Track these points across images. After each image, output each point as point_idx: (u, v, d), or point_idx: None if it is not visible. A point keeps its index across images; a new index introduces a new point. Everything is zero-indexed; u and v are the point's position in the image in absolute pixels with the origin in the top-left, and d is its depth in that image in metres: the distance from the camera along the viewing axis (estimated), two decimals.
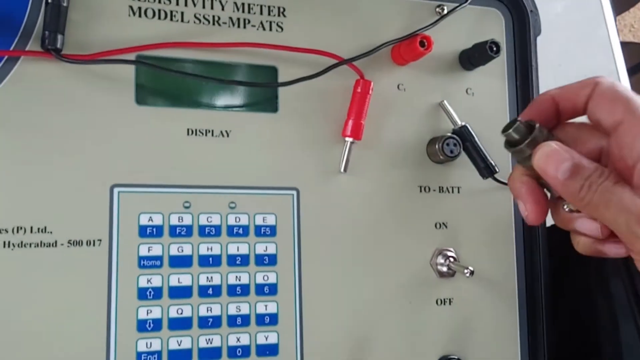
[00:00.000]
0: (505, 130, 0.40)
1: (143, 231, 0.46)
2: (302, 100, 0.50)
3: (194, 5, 0.48)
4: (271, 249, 0.48)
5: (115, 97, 0.46)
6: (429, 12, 0.55)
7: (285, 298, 0.48)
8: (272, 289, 0.48)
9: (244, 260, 0.48)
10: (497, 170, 0.53)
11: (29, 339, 0.42)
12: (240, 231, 0.48)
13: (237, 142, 0.48)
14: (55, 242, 0.44)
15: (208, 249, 0.47)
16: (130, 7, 0.46)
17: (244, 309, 0.47)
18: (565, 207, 0.40)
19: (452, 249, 0.53)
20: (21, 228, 0.43)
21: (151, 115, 0.46)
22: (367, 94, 0.51)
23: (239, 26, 0.49)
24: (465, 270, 0.50)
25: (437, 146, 0.52)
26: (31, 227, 0.43)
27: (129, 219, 0.45)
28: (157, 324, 0.45)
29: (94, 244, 0.44)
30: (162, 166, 0.46)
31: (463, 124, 0.53)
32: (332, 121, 0.51)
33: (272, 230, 0.49)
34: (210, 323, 0.46)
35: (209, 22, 0.48)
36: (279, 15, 0.50)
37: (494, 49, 0.53)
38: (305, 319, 0.48)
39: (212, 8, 0.48)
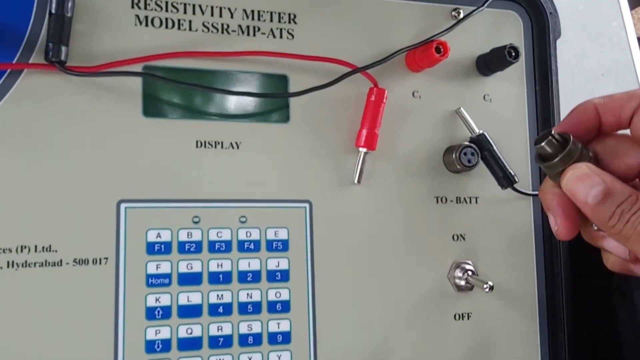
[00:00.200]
0: (537, 142, 0.39)
1: (151, 248, 0.45)
2: (314, 109, 0.49)
3: (202, 13, 0.47)
4: (283, 265, 0.47)
5: (122, 109, 0.45)
6: (444, 16, 0.53)
7: (298, 315, 0.47)
8: (285, 306, 0.47)
9: (256, 276, 0.47)
10: (517, 180, 0.51)
11: None
12: (252, 246, 0.47)
13: (248, 154, 0.47)
14: (61, 261, 0.43)
15: (218, 265, 0.46)
16: (137, 16, 0.45)
17: (256, 328, 0.46)
18: (594, 225, 0.39)
19: (470, 262, 0.52)
20: (25, 247, 0.42)
21: (159, 128, 0.45)
22: (381, 102, 0.49)
23: (248, 34, 0.48)
24: (485, 286, 0.49)
25: (454, 155, 0.51)
26: (35, 246, 0.42)
27: (136, 235, 0.44)
28: (166, 345, 0.44)
29: (100, 263, 0.43)
30: (170, 180, 0.45)
31: (481, 132, 0.52)
32: (345, 131, 0.50)
33: (284, 245, 0.48)
34: (221, 343, 0.45)
35: (217, 30, 0.47)
36: (289, 22, 0.49)
37: (513, 54, 0.52)
38: (319, 337, 0.47)
39: (220, 16, 0.47)
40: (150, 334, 0.44)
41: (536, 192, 0.54)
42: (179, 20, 0.46)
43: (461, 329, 0.51)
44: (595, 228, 0.39)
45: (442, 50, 0.50)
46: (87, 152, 0.44)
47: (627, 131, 0.40)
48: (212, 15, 0.47)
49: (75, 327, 0.42)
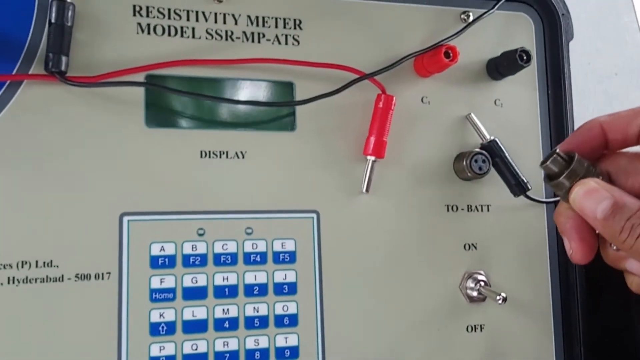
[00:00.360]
0: (543, 162, 0.39)
1: (154, 262, 0.44)
2: (321, 117, 0.48)
3: (206, 20, 0.46)
4: (291, 277, 0.47)
5: (124, 119, 0.44)
6: (453, 20, 0.52)
7: (306, 329, 0.46)
8: (293, 320, 0.46)
9: (262, 289, 0.46)
10: (530, 187, 0.51)
11: None
12: (258, 259, 0.46)
13: (253, 164, 0.47)
14: (62, 276, 0.42)
15: (224, 279, 0.45)
16: (139, 24, 0.45)
17: (263, 342, 0.45)
18: (613, 245, 0.38)
19: (482, 272, 0.51)
20: (26, 263, 0.41)
21: (162, 138, 0.45)
22: (389, 109, 0.49)
23: (253, 41, 0.47)
24: (498, 297, 0.48)
25: (464, 162, 0.50)
26: (36, 262, 0.42)
27: (139, 249, 0.44)
28: None
29: (102, 277, 0.43)
30: (174, 192, 0.45)
31: (492, 138, 0.51)
32: (353, 139, 0.49)
33: (292, 257, 0.47)
34: (227, 359, 0.44)
35: (221, 37, 0.47)
36: (295, 28, 0.48)
37: (525, 57, 0.51)
38: (327, 351, 0.47)
39: (224, 22, 0.47)
40: (155, 351, 0.43)
41: (550, 200, 0.53)
42: (181, 28, 0.46)
43: (473, 341, 0.50)
44: (615, 248, 0.38)
45: (451, 55, 0.49)
46: (89, 164, 0.43)
47: (637, 148, 0.39)
48: (215, 22, 0.47)
49: (77, 344, 0.42)
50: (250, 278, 0.46)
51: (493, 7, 0.52)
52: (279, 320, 0.46)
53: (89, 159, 0.43)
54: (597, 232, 0.38)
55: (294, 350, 0.46)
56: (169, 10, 0.45)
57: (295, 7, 0.49)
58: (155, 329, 0.43)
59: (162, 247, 0.44)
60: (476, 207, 0.52)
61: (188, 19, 0.46)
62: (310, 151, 0.48)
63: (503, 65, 0.52)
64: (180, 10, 0.46)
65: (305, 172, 0.48)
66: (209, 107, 0.46)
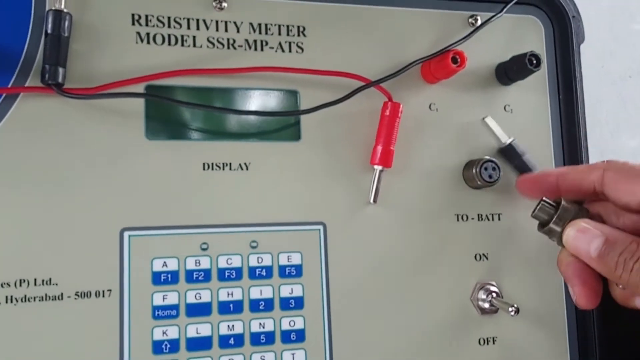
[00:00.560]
0: (532, 212, 0.40)
1: (157, 278, 0.43)
2: (326, 126, 0.47)
3: (207, 28, 0.45)
4: (297, 291, 0.45)
5: (124, 132, 0.43)
6: (461, 24, 0.51)
7: (314, 345, 0.45)
8: (300, 336, 0.45)
9: (268, 304, 0.45)
10: None
11: None
12: (263, 273, 0.45)
13: (258, 175, 0.45)
14: (62, 294, 0.41)
15: (228, 294, 0.44)
16: (138, 33, 0.43)
17: (270, 359, 0.44)
18: (618, 284, 0.37)
19: (494, 283, 0.50)
20: (24, 281, 0.40)
21: (163, 150, 0.44)
22: (396, 117, 0.47)
23: (256, 49, 0.46)
24: (510, 309, 0.46)
25: (474, 170, 0.49)
26: (35, 279, 0.40)
27: (141, 265, 0.42)
28: None
29: (103, 295, 0.41)
30: (176, 205, 0.43)
31: (511, 139, 0.49)
32: (360, 148, 0.48)
33: (298, 270, 0.45)
34: None
35: (223, 45, 0.45)
36: (298, 35, 0.47)
37: (534, 61, 0.50)
38: None
39: (226, 31, 0.45)
40: None
41: None
42: (182, 37, 0.44)
43: (486, 354, 0.49)
44: (620, 286, 0.38)
45: (458, 60, 0.48)
46: (88, 178, 0.42)
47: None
48: (217, 30, 0.45)
49: None
50: (255, 293, 0.44)
51: (501, 10, 0.51)
52: (286, 336, 0.45)
53: (88, 172, 0.42)
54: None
55: None
56: (169, 18, 0.44)
57: (299, 13, 0.47)
58: (158, 347, 0.42)
59: (165, 262, 0.43)
60: (487, 216, 0.50)
61: (189, 28, 0.45)
62: (315, 161, 0.47)
63: (512, 70, 0.51)
64: (180, 18, 0.44)
65: (311, 183, 0.46)
66: (211, 117, 0.45)
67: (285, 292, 0.45)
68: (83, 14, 0.42)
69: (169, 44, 0.44)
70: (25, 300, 0.40)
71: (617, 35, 0.63)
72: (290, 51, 0.47)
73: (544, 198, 0.39)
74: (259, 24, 0.46)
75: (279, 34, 0.47)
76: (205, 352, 0.43)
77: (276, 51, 0.46)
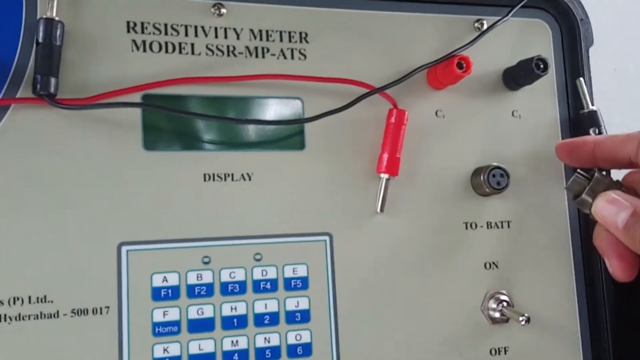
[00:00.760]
0: (566, 184, 0.38)
1: (157, 294, 0.38)
2: (331, 134, 0.43)
3: (206, 35, 0.40)
4: (303, 304, 0.41)
5: (120, 143, 0.38)
6: (467, 28, 0.46)
7: (321, 359, 0.40)
8: (306, 350, 0.40)
9: (273, 319, 0.40)
10: None
11: None
12: (268, 286, 0.40)
13: (261, 186, 0.41)
14: (57, 312, 0.36)
15: (232, 309, 0.39)
16: (133, 41, 0.39)
17: None
18: None
19: (504, 292, 0.45)
20: (18, 299, 0.36)
21: (162, 162, 0.39)
22: (401, 124, 0.43)
23: (257, 56, 0.41)
24: (521, 318, 0.42)
25: (482, 177, 0.44)
26: (29, 297, 0.36)
27: (140, 280, 0.38)
28: None
29: (101, 312, 0.37)
30: (176, 218, 0.39)
31: (593, 108, 0.46)
32: (365, 156, 0.43)
33: (304, 283, 0.41)
34: None
35: (223, 53, 0.41)
36: (301, 41, 0.42)
37: (541, 66, 0.45)
38: None
39: (226, 37, 0.41)
40: None
41: None
42: (179, 44, 0.40)
43: None
44: None
45: (464, 65, 0.43)
46: (83, 191, 0.37)
47: None
48: (216, 36, 0.41)
49: None
50: (260, 307, 0.40)
51: (507, 14, 0.46)
52: (292, 351, 0.40)
53: (84, 186, 0.37)
54: None
55: None
56: (166, 25, 0.40)
57: (301, 19, 0.43)
58: None
59: (165, 277, 0.38)
60: (496, 224, 0.45)
61: (186, 35, 0.40)
62: (320, 171, 0.42)
63: (520, 75, 0.46)
64: (177, 25, 0.40)
65: (316, 192, 0.42)
66: (212, 127, 0.40)
67: (291, 305, 0.40)
68: (76, 22, 0.38)
69: (166, 51, 0.39)
70: (19, 319, 0.36)
71: (630, 38, 0.58)
72: (292, 58, 0.42)
73: (577, 170, 0.36)
74: (260, 31, 0.42)
75: (281, 40, 0.42)
76: None
77: (278, 58, 0.42)
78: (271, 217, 0.41)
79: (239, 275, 0.40)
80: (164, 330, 0.38)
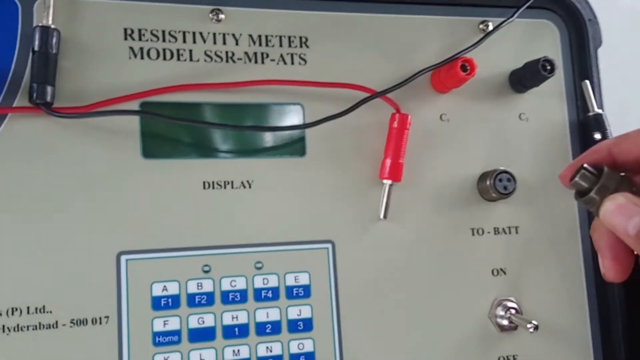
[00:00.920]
0: (572, 178, 0.32)
1: (157, 303, 0.36)
2: (333, 140, 0.40)
3: (204, 41, 0.38)
4: (306, 313, 0.38)
5: (118, 151, 0.36)
6: (471, 30, 0.43)
7: None
8: (309, 359, 0.37)
9: (275, 327, 0.37)
10: None
11: None
12: (270, 294, 0.37)
13: (261, 193, 0.38)
14: (56, 322, 0.34)
15: (233, 317, 0.37)
16: (131, 48, 0.37)
17: None
18: None
19: (513, 299, 0.42)
20: (16, 309, 0.34)
21: (161, 170, 0.37)
22: (404, 129, 0.40)
23: (256, 62, 0.39)
24: (529, 325, 0.39)
25: (488, 182, 0.41)
26: (28, 308, 0.34)
27: (139, 290, 0.36)
28: None
29: (100, 322, 0.35)
30: (175, 227, 0.37)
31: (599, 111, 0.43)
32: (368, 162, 0.40)
33: (306, 291, 0.38)
34: None
35: (222, 59, 0.38)
36: (300, 46, 0.40)
37: (548, 67, 0.42)
38: None
39: (224, 43, 0.38)
40: None
41: None
42: (178, 51, 0.38)
43: None
44: None
45: (468, 68, 0.40)
46: (82, 200, 0.35)
47: None
48: (214, 43, 0.38)
49: None
50: (261, 316, 0.37)
51: (512, 15, 0.43)
52: None
53: (82, 194, 0.35)
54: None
55: None
56: (164, 32, 0.37)
57: (301, 24, 0.40)
58: None
59: (165, 286, 0.36)
60: (503, 229, 0.42)
61: (185, 41, 0.38)
62: (322, 177, 0.39)
63: (526, 77, 0.43)
64: (175, 32, 0.38)
65: (317, 199, 0.39)
66: (211, 134, 0.38)
67: (293, 313, 0.38)
68: (73, 30, 0.35)
69: (164, 58, 0.37)
70: (18, 330, 0.34)
71: None
72: (292, 63, 0.39)
73: (584, 165, 0.32)
74: (259, 36, 0.39)
75: (280, 45, 0.39)
76: None
77: (278, 64, 0.39)
78: (272, 224, 0.38)
79: (240, 284, 0.37)
80: (164, 340, 0.36)
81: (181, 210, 0.37)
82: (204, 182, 0.37)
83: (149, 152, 0.37)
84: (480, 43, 0.42)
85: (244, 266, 0.37)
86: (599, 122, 0.43)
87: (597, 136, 0.43)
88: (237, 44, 0.39)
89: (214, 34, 0.38)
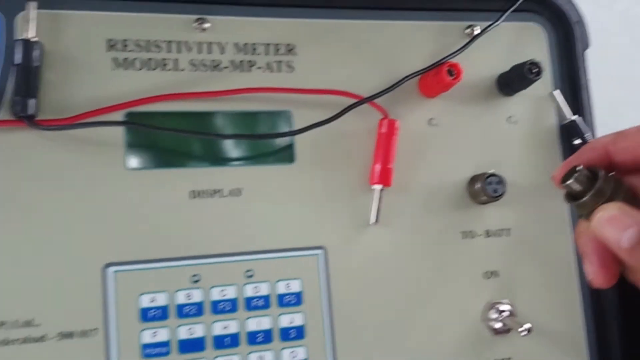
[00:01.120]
0: (564, 180, 0.29)
1: (145, 314, 0.33)
2: (322, 147, 0.37)
3: (189, 50, 0.36)
4: (298, 321, 0.35)
5: (103, 162, 0.34)
6: (458, 35, 0.41)
7: None
8: None
9: (267, 336, 0.35)
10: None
11: None
12: (261, 303, 0.35)
13: (251, 201, 0.36)
14: (44, 336, 0.32)
15: (224, 327, 0.34)
16: (114, 59, 0.34)
17: None
18: None
19: (506, 301, 0.39)
20: (3, 323, 0.31)
21: (146, 180, 0.34)
22: (392, 134, 0.37)
23: (242, 70, 0.36)
24: (521, 329, 0.36)
25: (479, 185, 0.39)
26: (15, 321, 0.32)
27: (127, 301, 0.33)
28: None
29: (88, 335, 0.32)
30: (163, 237, 0.34)
31: (575, 117, 0.41)
32: (358, 168, 0.38)
33: (298, 299, 0.35)
34: None
35: (207, 68, 0.36)
36: (287, 53, 0.37)
37: (534, 70, 0.39)
38: None
39: (210, 52, 0.36)
40: None
41: None
42: (162, 60, 0.35)
43: None
44: None
45: (454, 72, 0.38)
46: (67, 212, 0.33)
47: None
48: (199, 52, 0.36)
49: None
50: (253, 325, 0.35)
51: (498, 19, 0.40)
52: None
53: (67, 206, 0.33)
54: None
55: None
56: (148, 42, 0.35)
57: (287, 31, 0.38)
58: None
59: (153, 297, 0.33)
60: (495, 232, 0.40)
61: (169, 51, 0.35)
62: (312, 184, 0.37)
63: (513, 80, 0.40)
64: (160, 41, 0.35)
65: (308, 206, 0.37)
66: (198, 143, 0.36)
67: (285, 322, 0.35)
68: (56, 42, 0.33)
69: (149, 68, 0.35)
70: (5, 344, 0.31)
71: (637, 40, 0.51)
72: (279, 71, 0.37)
73: (579, 166, 0.28)
74: (245, 44, 0.37)
75: (267, 53, 0.37)
76: None
77: (264, 71, 0.37)
78: (262, 232, 0.35)
79: (230, 293, 0.34)
80: (153, 351, 0.33)
81: (168, 220, 0.34)
82: (190, 192, 0.34)
83: (134, 162, 0.34)
84: (467, 47, 0.39)
85: (234, 275, 0.35)
86: (575, 129, 0.40)
87: (577, 141, 0.40)
88: (222, 52, 0.36)
89: (199, 43, 0.36)
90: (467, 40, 0.40)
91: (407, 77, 0.37)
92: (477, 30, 0.41)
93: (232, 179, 0.35)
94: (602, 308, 0.40)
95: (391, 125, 0.37)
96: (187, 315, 0.34)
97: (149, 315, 0.33)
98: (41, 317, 0.32)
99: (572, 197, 0.29)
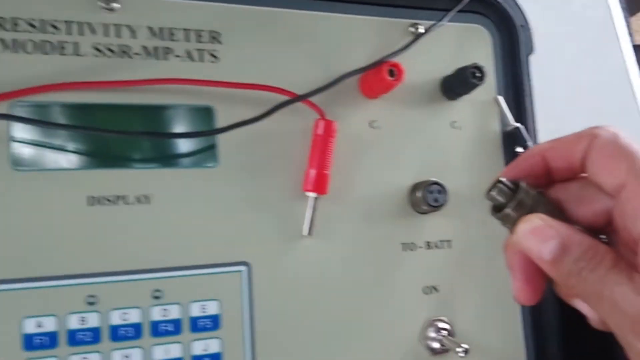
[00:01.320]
0: (487, 192, 0.26)
1: (29, 342, 0.26)
2: (250, 149, 0.31)
3: (93, 33, 0.28)
4: (214, 348, 0.29)
5: None
6: (401, 32, 0.35)
7: None
8: None
9: None
10: None
11: None
12: (170, 328, 0.28)
13: (162, 210, 0.29)
14: None
15: (125, 357, 0.27)
16: (1, 40, 0.27)
17: None
18: (570, 292, 0.26)
19: (445, 319, 0.34)
20: None
21: (35, 183, 0.27)
22: (330, 136, 0.32)
23: (157, 57, 0.30)
24: (458, 349, 0.32)
25: (419, 194, 0.33)
26: None
27: (7, 327, 0.26)
28: None
29: None
30: (53, 251, 0.27)
31: (518, 124, 0.36)
32: (290, 173, 0.32)
33: (215, 322, 0.29)
34: None
35: (114, 53, 0.29)
36: (211, 41, 0.31)
37: (477, 75, 0.34)
38: None
39: (118, 36, 0.29)
40: None
41: None
42: (60, 43, 0.28)
43: None
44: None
45: (395, 73, 0.32)
46: None
47: None
48: (106, 35, 0.29)
49: None
50: (159, 353, 0.28)
51: (442, 18, 0.35)
52: None
53: None
54: None
55: None
56: (43, 22, 0.28)
57: (212, 17, 0.31)
58: None
59: (39, 322, 0.26)
60: (436, 244, 0.35)
61: (69, 33, 0.28)
62: (236, 190, 0.31)
63: (457, 84, 0.36)
64: (57, 21, 0.28)
65: (230, 216, 0.30)
66: (99, 141, 0.28)
67: (198, 349, 0.29)
68: None
69: (44, 52, 0.27)
70: None
71: (583, 44, 0.47)
72: (201, 60, 0.30)
73: (500, 178, 0.26)
74: (161, 29, 0.30)
75: (187, 40, 0.30)
76: None
77: (183, 60, 0.30)
78: (174, 246, 0.29)
79: (133, 317, 0.28)
80: None
81: (61, 230, 0.27)
82: (89, 197, 0.28)
83: (20, 162, 0.27)
84: (410, 47, 0.34)
85: (138, 296, 0.28)
86: (517, 136, 0.36)
87: (519, 150, 0.36)
88: (133, 37, 0.29)
89: (106, 25, 0.29)
90: (411, 38, 0.34)
91: (345, 75, 0.31)
92: (421, 29, 0.35)
93: (140, 183, 0.29)
94: (542, 325, 0.36)
95: (328, 127, 0.31)
96: (80, 343, 0.27)
97: (34, 343, 0.26)
98: None
99: (495, 209, 0.26)
